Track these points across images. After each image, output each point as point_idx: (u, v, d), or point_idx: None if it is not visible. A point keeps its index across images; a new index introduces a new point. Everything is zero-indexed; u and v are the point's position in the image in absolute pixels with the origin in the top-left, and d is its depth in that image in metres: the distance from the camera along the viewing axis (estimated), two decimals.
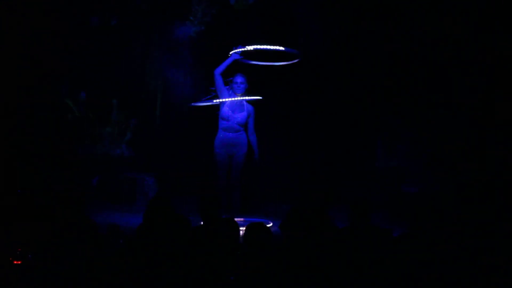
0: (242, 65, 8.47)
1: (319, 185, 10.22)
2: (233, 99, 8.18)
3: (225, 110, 8.21)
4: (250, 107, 8.33)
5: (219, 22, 10.45)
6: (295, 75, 10.31)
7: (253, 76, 9.17)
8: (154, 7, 10.49)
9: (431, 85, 9.45)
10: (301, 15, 10.26)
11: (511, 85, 8.69)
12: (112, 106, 10.33)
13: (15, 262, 4.88)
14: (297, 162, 10.51)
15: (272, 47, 8.24)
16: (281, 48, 8.26)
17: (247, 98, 8.28)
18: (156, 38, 10.60)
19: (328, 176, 10.27)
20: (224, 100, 8.17)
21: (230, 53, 8.25)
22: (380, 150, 9.97)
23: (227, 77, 8.30)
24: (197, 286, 4.49)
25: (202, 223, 5.45)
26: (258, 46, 8.23)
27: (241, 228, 5.02)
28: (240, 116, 8.23)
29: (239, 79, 8.22)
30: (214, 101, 8.27)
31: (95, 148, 10.19)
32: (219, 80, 8.19)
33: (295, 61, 8.55)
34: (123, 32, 10.55)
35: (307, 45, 10.20)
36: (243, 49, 8.22)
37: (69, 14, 10.05)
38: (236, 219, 5.15)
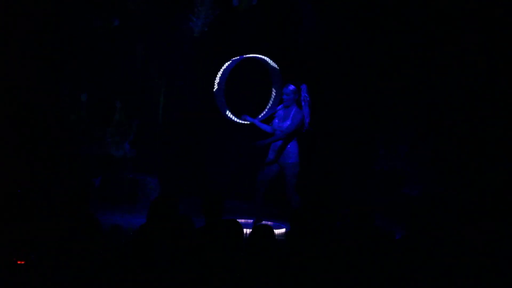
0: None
1: (319, 187, 10.23)
2: None
3: (275, 119, 8.28)
4: (297, 115, 8.14)
5: (222, 23, 10.46)
6: (296, 75, 10.32)
7: (253, 77, 9.23)
8: (157, 8, 10.51)
9: (433, 87, 9.47)
10: (304, 16, 10.28)
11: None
12: (115, 107, 10.34)
13: (18, 262, 4.90)
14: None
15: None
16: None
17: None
18: (159, 39, 10.62)
19: (328, 178, 10.27)
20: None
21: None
22: (381, 152, 9.98)
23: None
24: (200, 286, 4.51)
25: (205, 223, 5.47)
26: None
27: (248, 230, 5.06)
28: (285, 125, 8.21)
29: (283, 89, 8.22)
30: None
31: (98, 149, 10.20)
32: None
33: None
34: (126, 33, 10.56)
35: (310, 44, 10.23)
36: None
37: (72, 15, 10.05)
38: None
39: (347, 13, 10.06)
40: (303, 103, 8.09)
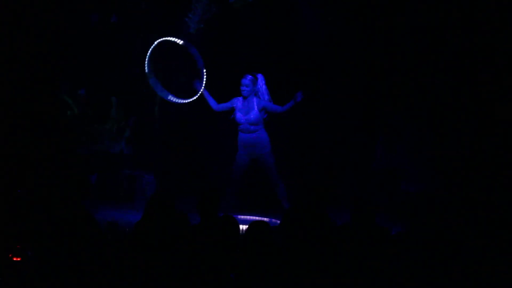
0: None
1: (317, 184, 10.22)
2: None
3: (237, 114, 8.34)
4: (261, 102, 8.31)
5: (219, 19, 10.44)
6: (294, 74, 10.31)
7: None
8: (154, 4, 10.49)
9: (432, 85, 9.46)
10: (301, 13, 10.27)
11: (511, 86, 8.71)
12: (111, 103, 10.31)
13: (14, 259, 4.88)
14: (296, 161, 10.50)
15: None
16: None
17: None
18: (155, 35, 10.58)
19: (327, 176, 10.26)
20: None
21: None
22: (380, 149, 9.97)
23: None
24: (196, 283, 4.50)
25: (200, 220, 5.46)
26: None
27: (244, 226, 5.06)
28: (250, 116, 8.25)
29: (242, 81, 8.30)
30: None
31: (94, 146, 10.17)
32: (223, 108, 8.47)
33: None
34: (123, 29, 10.54)
35: (307, 42, 10.21)
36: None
37: (69, 11, 10.03)
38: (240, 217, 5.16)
39: (346, 12, 10.04)
40: (260, 92, 8.30)
